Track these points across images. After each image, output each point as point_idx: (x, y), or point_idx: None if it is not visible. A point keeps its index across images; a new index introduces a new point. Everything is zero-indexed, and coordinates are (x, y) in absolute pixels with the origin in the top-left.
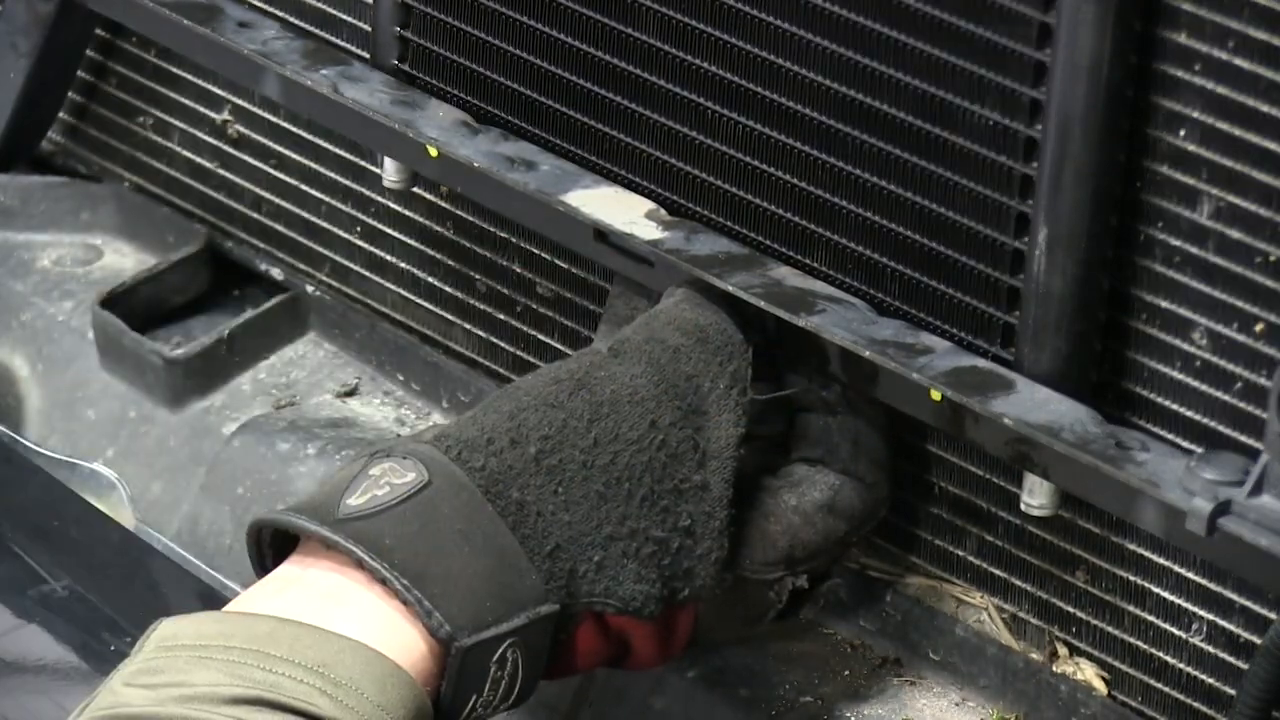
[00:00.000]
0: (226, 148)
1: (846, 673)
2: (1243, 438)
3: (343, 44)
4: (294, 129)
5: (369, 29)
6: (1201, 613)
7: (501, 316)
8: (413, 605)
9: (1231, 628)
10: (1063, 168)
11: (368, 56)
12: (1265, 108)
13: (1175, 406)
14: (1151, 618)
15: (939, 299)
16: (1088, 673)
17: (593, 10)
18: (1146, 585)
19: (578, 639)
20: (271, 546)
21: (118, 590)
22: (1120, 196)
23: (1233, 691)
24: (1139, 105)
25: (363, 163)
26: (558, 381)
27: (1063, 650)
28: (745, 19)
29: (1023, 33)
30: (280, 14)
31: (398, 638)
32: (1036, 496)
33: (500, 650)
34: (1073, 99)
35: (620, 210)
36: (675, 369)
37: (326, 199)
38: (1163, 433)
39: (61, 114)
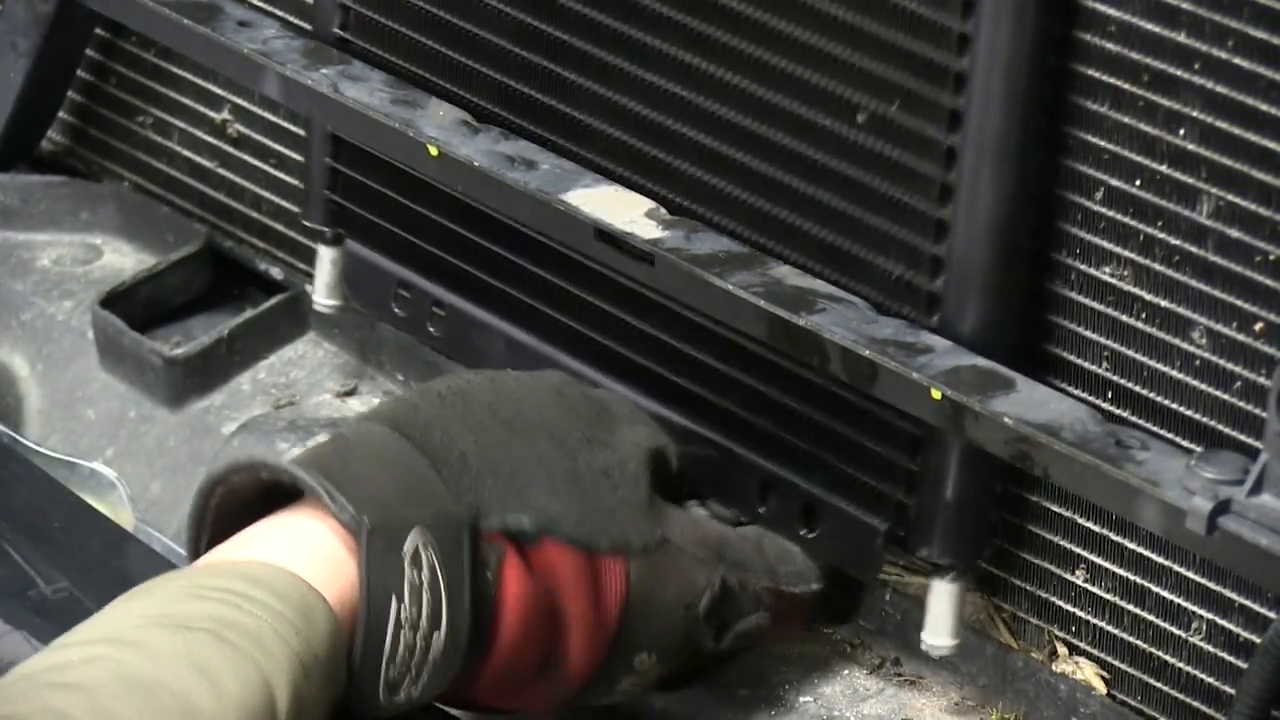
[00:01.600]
0: (226, 147)
1: (846, 673)
2: (1243, 437)
3: (282, 14)
4: (294, 129)
5: None
6: (1201, 612)
7: None
8: (319, 496)
9: (1231, 627)
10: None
11: (309, 28)
12: (1265, 107)
13: (1175, 406)
14: (1151, 617)
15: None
16: (1087, 672)
17: None
18: (1146, 585)
19: (504, 577)
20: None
21: (114, 593)
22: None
23: (1232, 691)
24: (1139, 104)
25: None
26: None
27: (1062, 650)
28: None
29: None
30: None
31: (310, 540)
32: (936, 635)
33: (410, 542)
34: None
35: (620, 209)
36: (580, 389)
37: None
38: (1163, 432)
39: (61, 114)
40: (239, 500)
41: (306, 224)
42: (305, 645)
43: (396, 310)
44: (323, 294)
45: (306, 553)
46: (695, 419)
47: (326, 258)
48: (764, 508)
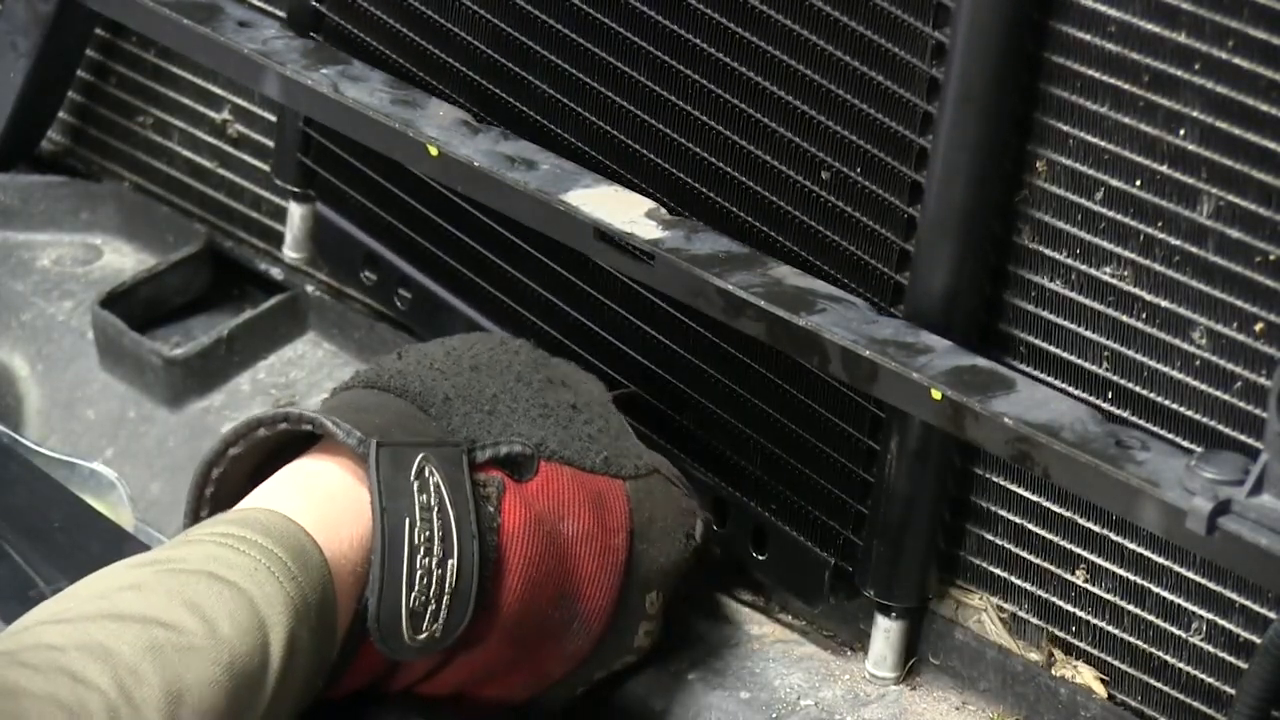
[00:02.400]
0: (226, 148)
1: (847, 677)
2: (1243, 437)
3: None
4: None
5: None
6: (1201, 612)
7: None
8: (326, 427)
9: (1231, 627)
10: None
11: (283, 16)
12: (1265, 107)
13: (1175, 406)
14: (1151, 617)
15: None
16: (1086, 676)
17: None
18: (1146, 585)
19: (504, 508)
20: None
21: None
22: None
23: (1233, 691)
24: (1139, 104)
25: None
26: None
27: (1061, 654)
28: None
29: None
30: None
31: (311, 485)
32: (880, 668)
33: (416, 464)
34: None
35: (620, 209)
36: (518, 341)
37: None
38: (1163, 432)
39: (61, 114)
40: (240, 475)
41: (276, 182)
42: (298, 588)
43: (364, 279)
44: (291, 247)
45: (304, 500)
46: (655, 430)
47: (296, 214)
48: (717, 526)
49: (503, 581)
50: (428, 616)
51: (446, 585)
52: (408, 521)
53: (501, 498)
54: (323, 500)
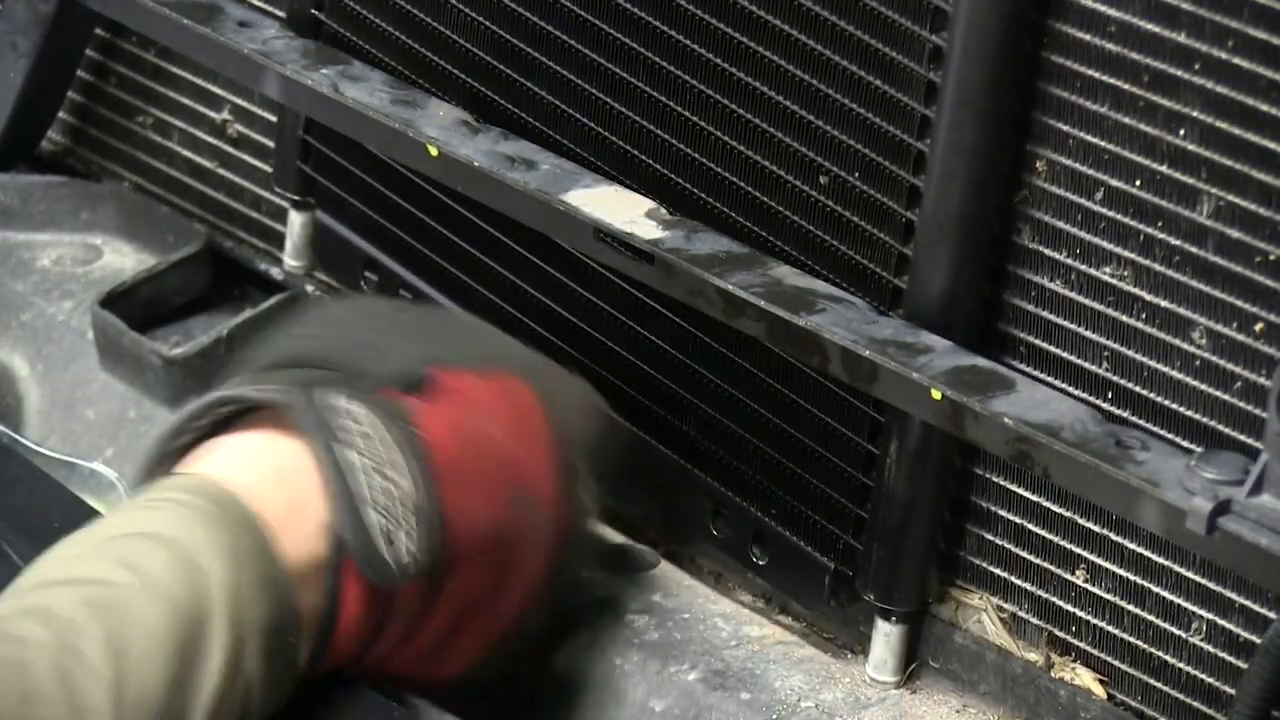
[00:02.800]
0: (226, 148)
1: (847, 680)
2: (1243, 437)
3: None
4: None
5: None
6: (1201, 612)
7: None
8: (241, 395)
9: (1231, 627)
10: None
11: (283, 16)
12: (1265, 107)
13: (1175, 406)
14: (1151, 617)
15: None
16: (1085, 678)
17: None
18: (1146, 585)
19: (424, 425)
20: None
21: None
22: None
23: (1232, 691)
24: (1139, 104)
25: None
26: None
27: (1059, 656)
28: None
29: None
30: None
31: (246, 447)
32: (881, 672)
33: (335, 399)
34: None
35: (620, 209)
36: None
37: None
38: (1163, 432)
39: (61, 114)
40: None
41: (276, 190)
42: (230, 533)
43: (365, 284)
44: (291, 255)
45: (231, 464)
46: (652, 433)
47: (296, 222)
48: (716, 530)
49: (456, 495)
50: (402, 535)
51: (401, 499)
52: (347, 448)
53: (418, 416)
54: (252, 463)
